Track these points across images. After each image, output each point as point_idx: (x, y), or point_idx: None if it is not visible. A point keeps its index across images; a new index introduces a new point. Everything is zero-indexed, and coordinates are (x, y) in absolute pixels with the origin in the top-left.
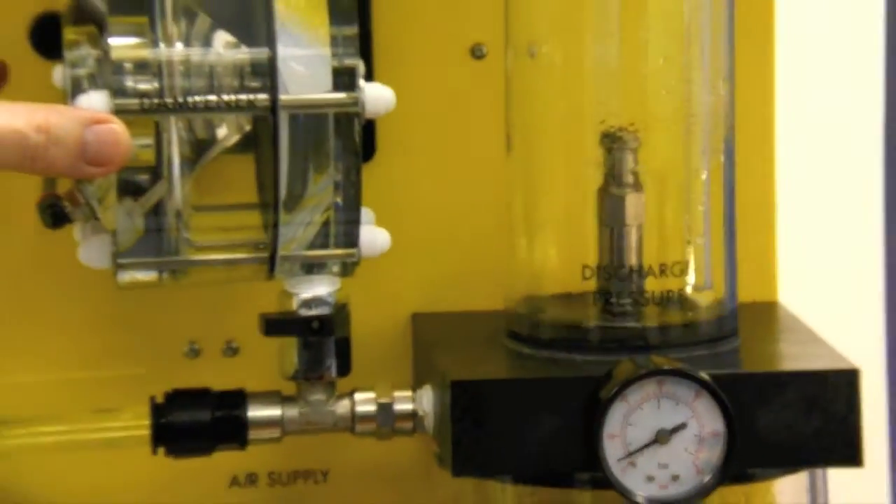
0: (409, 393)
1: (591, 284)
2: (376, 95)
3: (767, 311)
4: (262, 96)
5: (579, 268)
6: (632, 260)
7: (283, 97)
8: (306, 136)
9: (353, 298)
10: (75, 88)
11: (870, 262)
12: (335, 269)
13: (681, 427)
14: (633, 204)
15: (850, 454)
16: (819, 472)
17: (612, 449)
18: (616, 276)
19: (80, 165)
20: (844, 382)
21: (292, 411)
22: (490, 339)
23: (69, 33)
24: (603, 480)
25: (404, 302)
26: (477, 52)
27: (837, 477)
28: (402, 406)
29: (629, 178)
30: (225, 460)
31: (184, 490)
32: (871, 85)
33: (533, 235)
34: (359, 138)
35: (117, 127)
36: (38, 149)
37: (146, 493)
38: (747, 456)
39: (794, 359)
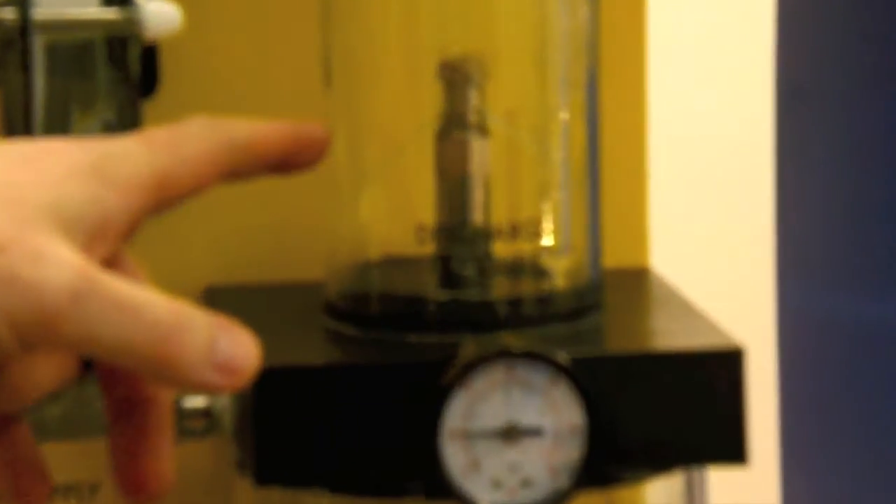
0: None
1: (428, 248)
2: (157, 12)
3: (637, 280)
4: (9, 11)
5: (413, 228)
6: (476, 218)
7: (37, 14)
8: (67, 66)
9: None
10: None
11: (760, 221)
12: None
13: (535, 431)
14: (477, 150)
15: (733, 450)
16: (696, 472)
17: (453, 449)
18: (458, 237)
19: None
20: (727, 364)
21: (54, 410)
22: (303, 317)
23: None
24: (441, 488)
25: (195, 273)
26: None
27: (720, 477)
28: (193, 403)
29: (473, 119)
30: None
31: None
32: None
33: (357, 189)
34: (136, 67)
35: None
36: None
37: None
38: (611, 454)
39: (667, 336)
